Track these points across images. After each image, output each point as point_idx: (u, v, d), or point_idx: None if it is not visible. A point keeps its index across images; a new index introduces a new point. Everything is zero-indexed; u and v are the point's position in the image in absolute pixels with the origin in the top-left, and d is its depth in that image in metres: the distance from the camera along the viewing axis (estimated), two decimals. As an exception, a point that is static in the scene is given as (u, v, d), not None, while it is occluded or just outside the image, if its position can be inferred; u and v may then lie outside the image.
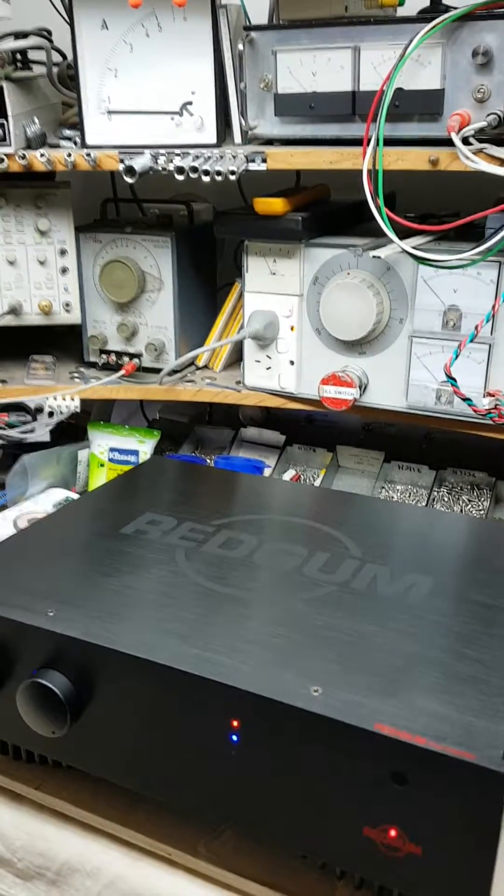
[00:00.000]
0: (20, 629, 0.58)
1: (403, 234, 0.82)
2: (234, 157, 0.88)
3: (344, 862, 0.52)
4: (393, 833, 0.48)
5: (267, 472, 1.07)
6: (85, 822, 0.62)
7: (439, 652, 0.56)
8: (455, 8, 0.78)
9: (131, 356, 1.08)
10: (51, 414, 1.04)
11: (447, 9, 0.81)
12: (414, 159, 0.81)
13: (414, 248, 0.82)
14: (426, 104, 0.80)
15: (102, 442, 1.09)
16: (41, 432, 1.04)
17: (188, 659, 0.54)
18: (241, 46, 0.87)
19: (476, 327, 0.81)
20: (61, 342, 1.19)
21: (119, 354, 1.08)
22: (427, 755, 0.46)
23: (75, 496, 1.02)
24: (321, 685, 0.51)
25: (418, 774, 0.47)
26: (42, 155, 0.94)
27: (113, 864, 0.59)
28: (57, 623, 0.58)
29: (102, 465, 1.09)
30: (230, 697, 0.51)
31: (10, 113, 0.93)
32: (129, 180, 0.91)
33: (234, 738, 0.52)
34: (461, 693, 0.51)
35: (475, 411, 0.84)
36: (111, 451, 1.09)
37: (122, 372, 1.06)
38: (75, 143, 0.97)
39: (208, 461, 1.11)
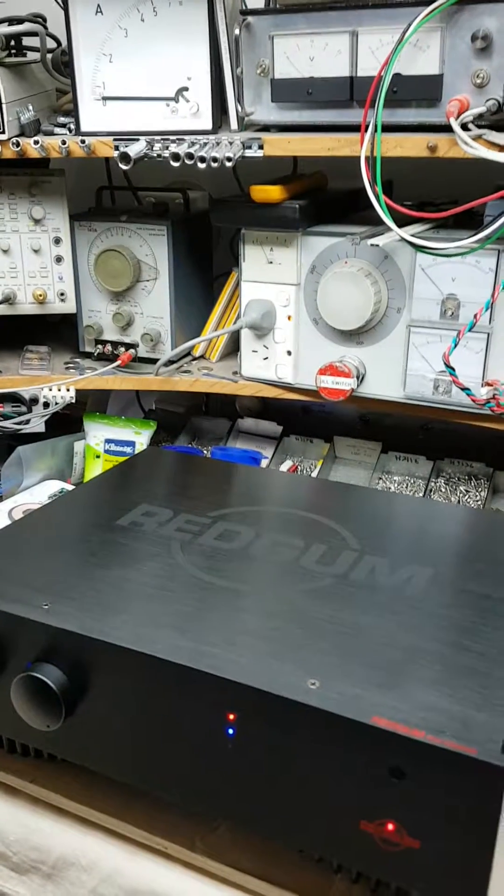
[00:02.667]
0: (15, 622, 0.58)
1: (401, 221, 0.81)
2: (230, 143, 0.87)
3: (341, 856, 0.52)
4: (391, 827, 0.48)
5: (264, 462, 1.06)
6: (80, 815, 0.61)
7: (438, 644, 0.55)
8: (454, -9, 0.77)
9: (127, 346, 1.07)
10: (46, 405, 1.03)
11: (446, -8, 0.80)
12: (412, 146, 0.80)
13: (412, 235, 0.81)
14: (425, 89, 0.79)
15: (98, 433, 1.08)
16: (36, 423, 1.03)
17: (184, 652, 0.53)
18: (237, 31, 0.86)
19: (475, 316, 0.81)
20: (56, 332, 1.18)
21: (115, 344, 1.08)
22: (425, 749, 0.46)
23: (70, 488, 1.01)
24: (318, 678, 0.51)
25: (416, 768, 0.46)
26: (36, 142, 0.92)
27: (109, 858, 0.59)
28: (52, 616, 0.57)
29: (98, 457, 1.08)
30: (226, 690, 0.51)
31: (3, 100, 0.92)
32: (123, 167, 0.90)
33: (231, 731, 0.52)
34: (460, 686, 0.51)
35: (473, 401, 0.84)
36: (107, 442, 1.08)
37: (118, 362, 1.05)
38: (70, 130, 0.96)
39: (205, 452, 1.11)
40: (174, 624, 0.57)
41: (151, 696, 0.54)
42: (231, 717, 0.51)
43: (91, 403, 1.19)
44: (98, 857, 0.59)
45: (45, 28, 1.02)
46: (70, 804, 0.62)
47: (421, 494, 0.98)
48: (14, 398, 1.04)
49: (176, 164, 0.89)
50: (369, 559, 0.67)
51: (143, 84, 0.92)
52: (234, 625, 0.57)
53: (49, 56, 1.01)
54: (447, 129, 0.77)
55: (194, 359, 1.10)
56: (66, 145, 0.92)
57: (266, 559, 0.67)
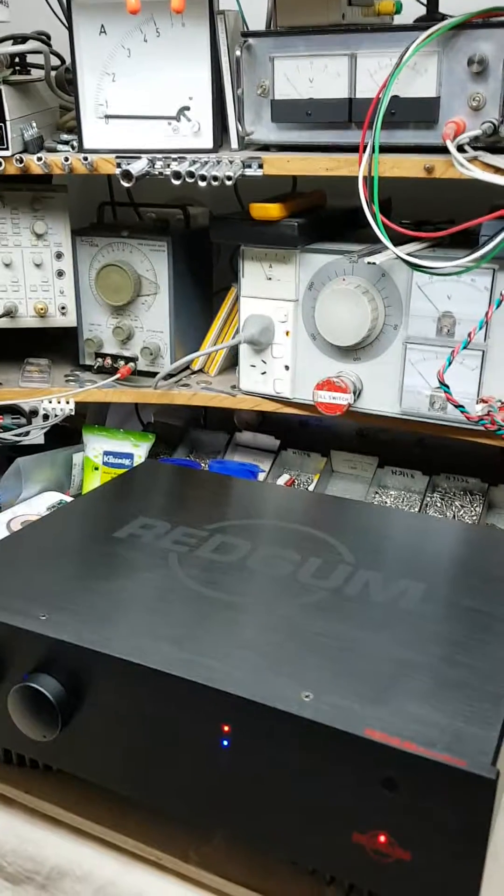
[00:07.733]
0: (12, 632, 0.58)
1: (398, 240, 0.82)
2: (230, 162, 0.89)
3: (333, 867, 0.52)
4: (382, 839, 0.49)
5: (261, 476, 1.07)
6: (75, 826, 0.62)
7: (430, 658, 0.56)
8: (451, 16, 0.79)
9: (127, 360, 1.08)
10: (45, 417, 1.04)
11: (443, 17, 0.82)
12: (409, 167, 0.82)
13: (409, 254, 0.82)
14: (422, 112, 0.81)
15: (97, 445, 1.09)
16: (36, 435, 1.04)
17: (180, 663, 0.54)
18: (238, 52, 0.88)
19: (469, 334, 0.82)
20: (57, 345, 1.19)
21: (114, 358, 1.09)
22: (417, 761, 0.46)
23: (69, 499, 1.02)
24: (312, 691, 0.51)
25: (408, 780, 0.47)
26: (39, 159, 0.94)
27: (103, 869, 0.59)
28: (49, 627, 0.58)
29: (97, 469, 1.09)
30: (221, 702, 0.51)
31: (7, 117, 0.93)
32: (126, 185, 0.92)
33: (225, 742, 0.52)
34: (451, 699, 0.51)
35: (468, 418, 0.85)
36: (105, 454, 1.09)
37: (118, 375, 1.06)
38: (73, 147, 0.97)
39: (203, 465, 1.11)
40: (170, 636, 0.57)
41: (147, 708, 0.55)
42: (226, 728, 0.52)
43: (90, 416, 1.20)
44: (93, 867, 0.60)
45: (50, 46, 1.03)
46: (65, 815, 0.62)
47: (416, 509, 0.99)
48: (14, 410, 1.05)
49: (177, 183, 0.90)
50: (364, 573, 0.67)
51: (145, 103, 0.94)
52: (230, 637, 0.58)
53: (53, 74, 1.03)
54: (444, 150, 0.79)
55: (193, 372, 1.11)
56: (68, 162, 0.94)
57: (262, 572, 0.67)
